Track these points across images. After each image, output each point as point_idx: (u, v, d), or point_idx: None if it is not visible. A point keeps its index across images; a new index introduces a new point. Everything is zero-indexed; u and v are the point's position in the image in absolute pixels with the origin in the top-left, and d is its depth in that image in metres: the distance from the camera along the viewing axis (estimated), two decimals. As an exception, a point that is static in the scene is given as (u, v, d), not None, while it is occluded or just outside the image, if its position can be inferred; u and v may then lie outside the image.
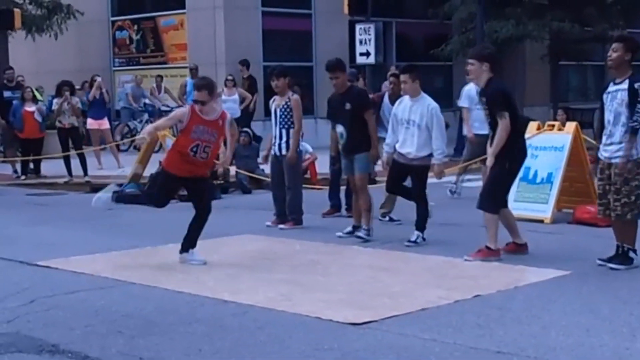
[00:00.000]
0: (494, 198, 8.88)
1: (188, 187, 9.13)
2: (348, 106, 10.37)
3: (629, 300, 7.08)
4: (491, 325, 6.36)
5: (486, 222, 8.87)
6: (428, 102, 9.84)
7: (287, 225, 11.07)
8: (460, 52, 24.52)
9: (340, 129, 10.46)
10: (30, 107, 17.87)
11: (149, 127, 9.70)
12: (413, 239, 9.72)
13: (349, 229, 10.42)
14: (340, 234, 10.39)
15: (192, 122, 8.78)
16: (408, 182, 10.12)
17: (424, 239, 9.76)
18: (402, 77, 9.97)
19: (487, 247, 8.79)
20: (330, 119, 10.97)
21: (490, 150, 8.78)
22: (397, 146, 9.92)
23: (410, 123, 9.79)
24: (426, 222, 9.89)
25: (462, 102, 13.89)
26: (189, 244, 8.99)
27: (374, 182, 11.26)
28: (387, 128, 10.48)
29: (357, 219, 10.41)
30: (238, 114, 19.95)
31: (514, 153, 8.81)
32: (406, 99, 9.95)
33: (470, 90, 13.41)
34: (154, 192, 9.17)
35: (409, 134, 9.80)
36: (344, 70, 10.78)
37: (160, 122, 9.75)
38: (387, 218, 11.31)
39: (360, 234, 10.19)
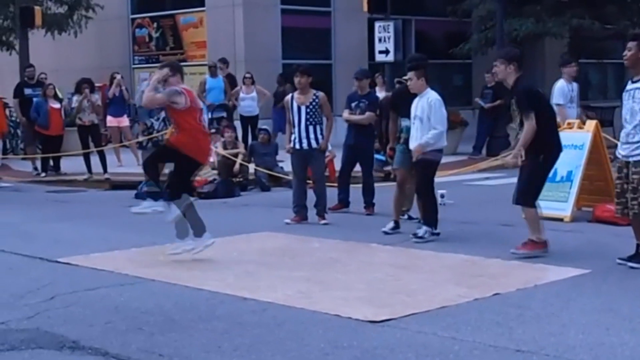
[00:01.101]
0: (530, 192, 8.99)
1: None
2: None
3: (649, 299, 7.05)
4: (510, 323, 6.35)
5: (526, 217, 9.04)
6: (428, 96, 9.99)
7: (326, 219, 11.32)
8: (479, 50, 24.47)
9: (406, 122, 10.57)
10: (55, 104, 17.95)
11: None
12: (420, 234, 9.78)
13: (392, 224, 10.56)
14: (385, 229, 10.50)
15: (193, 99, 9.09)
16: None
17: (433, 234, 9.80)
18: (408, 74, 10.12)
19: (531, 241, 8.87)
20: (394, 111, 11.08)
21: (515, 150, 8.88)
22: (411, 146, 10.12)
23: (416, 118, 9.99)
24: (435, 216, 9.93)
25: (557, 99, 13.47)
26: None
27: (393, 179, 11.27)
28: None
29: (397, 214, 10.62)
30: (257, 111, 19.99)
31: (547, 148, 8.91)
32: (417, 98, 10.10)
33: (563, 87, 13.23)
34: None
35: (414, 129, 10.00)
36: (409, 67, 10.76)
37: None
38: (405, 216, 11.31)
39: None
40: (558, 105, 13.40)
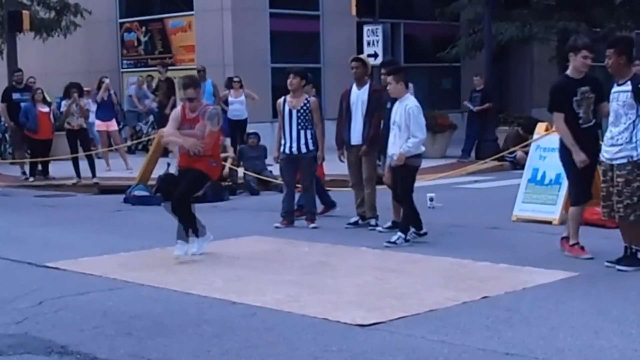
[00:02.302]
0: (574, 191, 9.02)
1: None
2: (388, 105, 10.49)
3: (637, 301, 7.06)
4: (499, 326, 6.36)
5: (569, 216, 9.07)
6: (407, 102, 9.93)
7: (315, 222, 11.32)
8: (467, 54, 24.53)
9: None
10: (43, 108, 17.94)
11: (167, 139, 9.86)
12: (394, 238, 9.78)
13: (389, 223, 10.74)
14: (380, 228, 10.82)
15: (182, 122, 9.32)
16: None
17: (406, 240, 9.79)
18: (388, 79, 10.06)
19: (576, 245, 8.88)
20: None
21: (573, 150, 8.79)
22: (388, 151, 10.13)
23: (394, 124, 9.98)
24: (413, 223, 9.95)
25: None
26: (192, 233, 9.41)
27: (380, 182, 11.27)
28: None
29: (396, 214, 10.71)
30: (245, 115, 19.98)
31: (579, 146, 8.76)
32: (396, 102, 10.07)
33: None
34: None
35: (393, 134, 10.00)
36: (388, 71, 10.82)
37: (168, 129, 9.70)
38: (373, 222, 11.23)
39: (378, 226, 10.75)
40: None
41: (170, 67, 24.33)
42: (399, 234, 9.82)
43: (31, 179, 17.89)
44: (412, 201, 10.01)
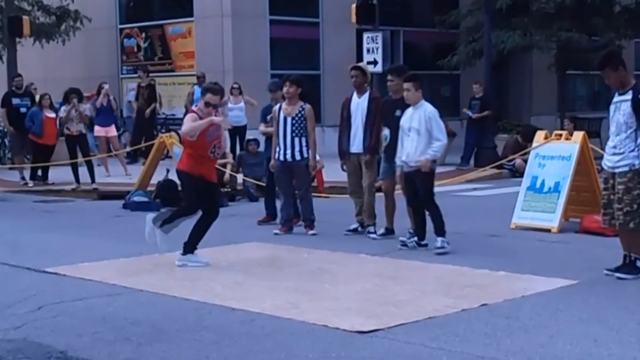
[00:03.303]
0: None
1: (203, 190, 9.34)
2: (398, 113, 10.47)
3: (636, 309, 7.07)
4: (498, 334, 6.36)
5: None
6: (425, 107, 10.01)
7: (314, 229, 11.29)
8: (467, 62, 24.55)
9: (386, 131, 10.71)
10: (50, 114, 17.98)
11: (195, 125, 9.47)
12: (439, 244, 9.73)
13: (383, 230, 10.93)
14: (374, 235, 10.93)
15: (204, 128, 9.13)
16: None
17: (420, 245, 9.90)
18: (405, 85, 10.07)
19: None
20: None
21: None
22: (402, 158, 10.10)
23: (410, 130, 9.96)
24: (444, 225, 9.89)
25: None
26: (191, 246, 9.21)
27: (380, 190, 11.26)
28: None
29: (389, 221, 10.89)
30: (244, 121, 19.98)
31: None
32: (410, 109, 10.08)
33: None
34: (190, 202, 9.42)
35: (409, 141, 9.96)
36: (406, 78, 10.77)
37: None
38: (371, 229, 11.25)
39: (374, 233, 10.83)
40: None
41: (170, 74, 24.40)
42: (440, 239, 9.76)
43: (30, 183, 17.89)
44: (436, 204, 9.98)
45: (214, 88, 9.37)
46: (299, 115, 11.20)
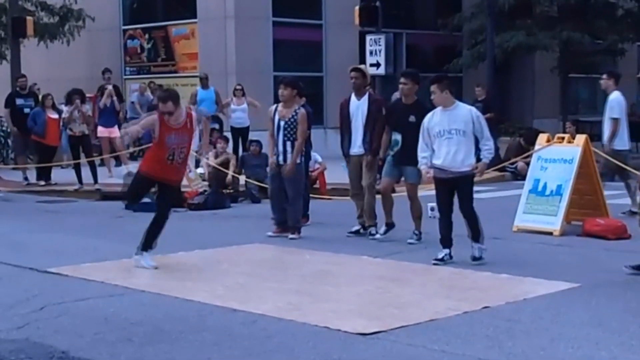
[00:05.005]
0: None
1: (158, 189, 9.43)
2: (412, 119, 10.31)
3: (638, 313, 7.07)
4: (500, 337, 6.36)
5: None
6: (469, 108, 9.57)
7: (296, 234, 11.11)
8: (471, 65, 24.58)
9: (397, 137, 10.60)
10: (53, 114, 17.97)
11: (122, 131, 10.35)
12: (477, 254, 9.31)
13: (384, 228, 10.93)
14: (377, 236, 10.89)
15: (163, 132, 9.04)
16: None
17: (484, 250, 9.39)
18: (431, 88, 9.52)
19: None
20: (388, 124, 10.90)
21: None
22: (438, 162, 9.39)
23: (452, 132, 9.30)
24: (480, 231, 9.42)
25: (614, 113, 13.09)
26: (145, 246, 9.23)
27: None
28: None
29: (388, 216, 10.89)
30: (247, 122, 19.99)
31: None
32: (438, 111, 9.49)
33: (620, 98, 13.05)
34: (127, 191, 9.84)
35: (452, 144, 9.29)
36: (417, 81, 10.78)
37: (131, 128, 9.61)
38: (373, 230, 11.23)
39: (412, 240, 10.58)
40: (616, 119, 13.07)
41: (173, 75, 24.42)
42: (479, 246, 9.38)
43: (42, 182, 17.85)
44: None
45: (159, 96, 9.42)
46: (292, 119, 11.08)
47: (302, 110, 11.26)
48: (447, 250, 9.41)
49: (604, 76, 13.58)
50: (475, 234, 9.43)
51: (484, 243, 9.40)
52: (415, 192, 10.69)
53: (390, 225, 10.94)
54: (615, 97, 13.15)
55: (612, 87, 13.32)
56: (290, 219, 11.22)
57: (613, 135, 12.85)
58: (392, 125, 10.78)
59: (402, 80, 10.79)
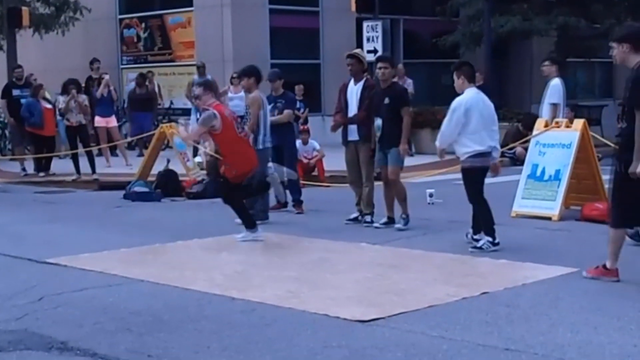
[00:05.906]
0: (615, 210, 7.66)
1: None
2: (387, 101, 10.55)
3: (637, 297, 7.08)
4: (499, 322, 6.36)
5: (610, 237, 7.69)
6: (459, 97, 9.51)
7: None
8: (464, 45, 24.47)
9: (378, 122, 10.67)
10: (46, 105, 17.95)
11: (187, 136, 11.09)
12: (480, 244, 9.19)
13: (385, 219, 10.74)
14: (376, 224, 10.78)
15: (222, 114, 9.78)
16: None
17: (494, 244, 9.18)
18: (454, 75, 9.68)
19: (604, 266, 7.70)
20: (371, 111, 11.00)
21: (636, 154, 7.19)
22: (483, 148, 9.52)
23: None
24: (491, 224, 9.31)
25: (553, 99, 13.54)
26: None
27: (378, 178, 11.24)
28: None
29: (390, 210, 10.78)
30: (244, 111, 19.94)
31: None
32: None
33: (559, 84, 13.52)
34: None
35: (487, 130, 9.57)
36: (393, 65, 11.05)
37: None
38: (368, 218, 11.22)
39: (400, 225, 10.53)
40: (555, 104, 13.54)
41: (170, 64, 24.38)
42: (486, 238, 9.24)
43: (42, 174, 17.85)
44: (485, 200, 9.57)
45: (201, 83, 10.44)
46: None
47: (253, 94, 11.47)
48: (491, 234, 9.26)
49: (546, 63, 14.20)
50: (486, 226, 9.39)
51: (494, 239, 9.31)
52: (398, 174, 10.67)
53: (391, 220, 10.79)
54: (555, 84, 13.78)
55: (554, 74, 13.93)
56: (255, 207, 11.18)
57: (552, 120, 12.90)
58: (374, 111, 10.82)
59: (381, 65, 10.80)
